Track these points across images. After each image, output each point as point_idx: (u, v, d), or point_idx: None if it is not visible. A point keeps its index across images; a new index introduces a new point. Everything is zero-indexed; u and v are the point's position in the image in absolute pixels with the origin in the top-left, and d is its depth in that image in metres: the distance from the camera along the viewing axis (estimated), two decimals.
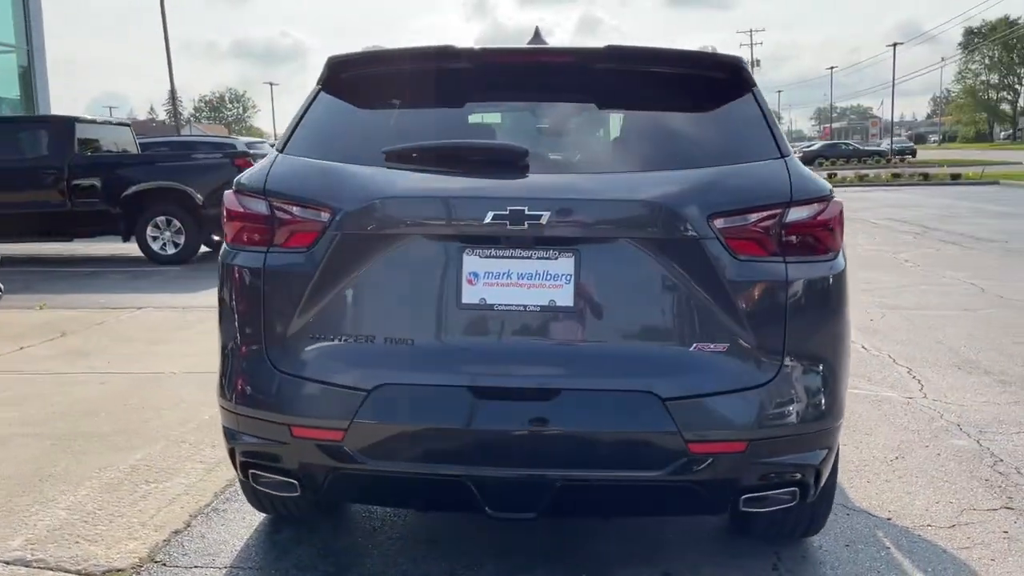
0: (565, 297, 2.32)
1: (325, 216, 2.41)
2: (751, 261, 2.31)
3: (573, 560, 2.92)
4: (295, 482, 2.50)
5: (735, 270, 2.30)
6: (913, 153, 51.39)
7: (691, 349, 2.32)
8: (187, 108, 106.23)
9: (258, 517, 3.29)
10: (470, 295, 2.34)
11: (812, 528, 2.93)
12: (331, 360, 2.42)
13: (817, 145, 47.03)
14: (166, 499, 3.48)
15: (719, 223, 2.30)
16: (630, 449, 2.29)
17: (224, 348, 2.60)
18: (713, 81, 2.58)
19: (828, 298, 2.41)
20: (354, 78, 2.75)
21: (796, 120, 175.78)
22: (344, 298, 2.41)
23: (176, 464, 3.87)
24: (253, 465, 2.55)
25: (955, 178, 28.03)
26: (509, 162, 2.39)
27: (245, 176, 2.64)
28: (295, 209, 2.46)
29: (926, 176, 29.13)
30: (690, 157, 2.43)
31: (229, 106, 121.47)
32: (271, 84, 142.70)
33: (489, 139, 2.68)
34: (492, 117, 2.77)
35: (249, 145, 15.83)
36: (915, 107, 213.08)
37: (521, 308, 2.33)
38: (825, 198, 2.41)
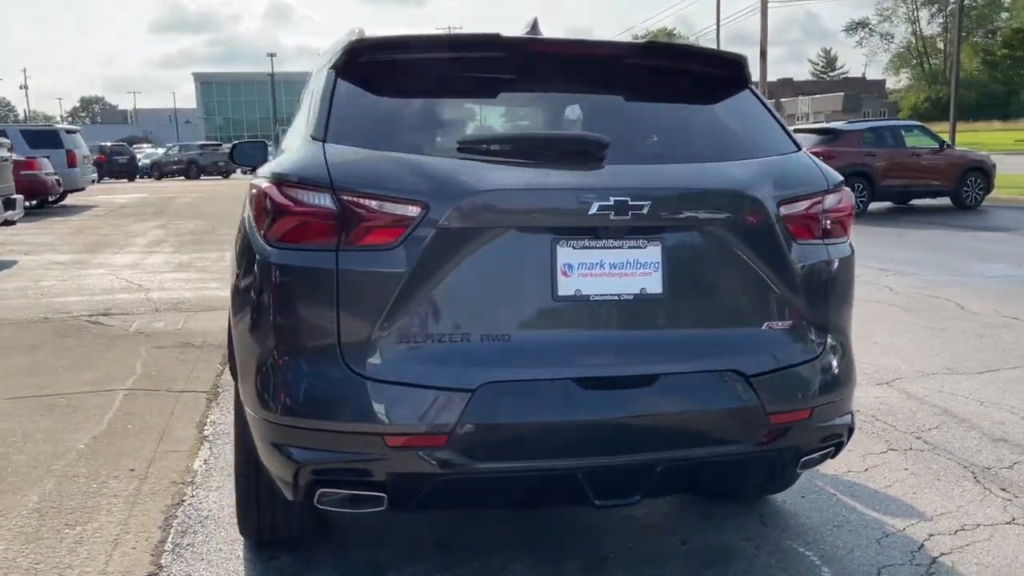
0: (654, 285, 2.39)
1: (413, 211, 2.26)
2: (805, 244, 2.54)
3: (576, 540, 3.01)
4: (382, 495, 2.32)
5: (795, 253, 2.52)
6: None
7: (763, 328, 2.50)
8: None
9: (235, 546, 2.97)
10: (566, 287, 2.34)
11: (785, 485, 3.26)
12: (427, 362, 2.28)
13: None
14: (107, 542, 3.01)
15: (783, 210, 2.50)
16: (721, 426, 2.43)
17: (273, 357, 2.34)
18: (732, 79, 2.77)
19: (850, 275, 2.71)
20: (380, 63, 2.59)
21: None
22: (437, 296, 2.28)
23: (87, 501, 3.35)
24: (327, 483, 2.33)
25: None
26: (588, 153, 2.40)
27: (289, 167, 2.39)
28: (373, 203, 2.28)
29: None
30: (740, 148, 2.60)
31: None
32: None
33: (551, 130, 2.65)
34: (541, 108, 2.73)
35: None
36: None
37: (615, 297, 2.37)
38: (842, 186, 2.71)
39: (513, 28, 2.80)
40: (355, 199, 2.28)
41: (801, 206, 2.54)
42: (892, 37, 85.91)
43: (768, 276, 2.49)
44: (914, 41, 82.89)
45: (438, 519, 3.14)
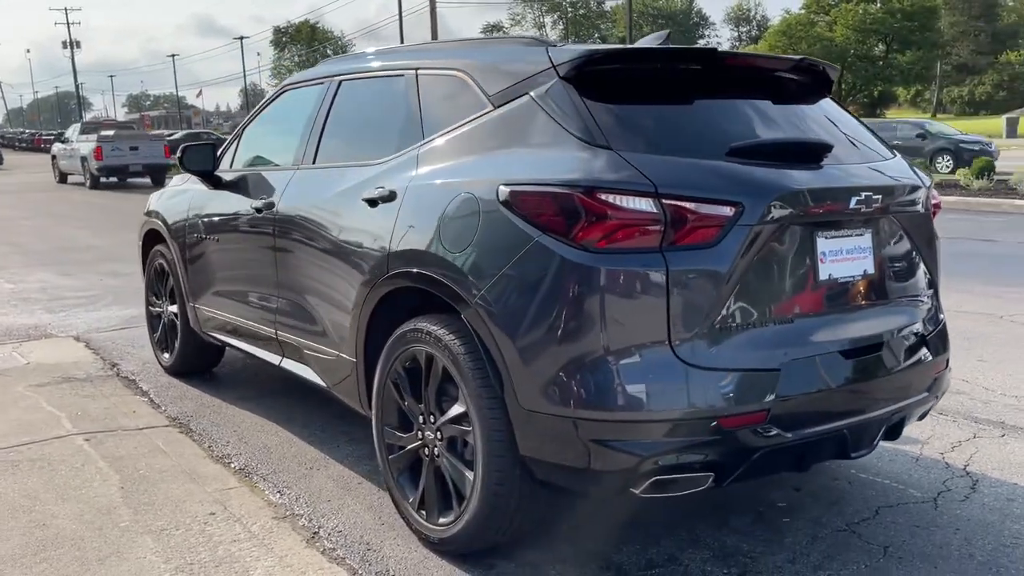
0: (870, 266, 2.84)
1: (729, 211, 2.47)
2: (932, 223, 3.16)
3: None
4: (710, 474, 2.51)
5: (932, 232, 3.13)
6: None
7: (924, 297, 3.07)
8: None
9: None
10: (824, 272, 2.70)
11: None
12: (743, 347, 2.51)
13: (179, 134, 46.44)
14: None
15: (926, 195, 3.09)
16: (916, 379, 2.95)
17: (603, 358, 2.42)
18: (829, 88, 3.27)
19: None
20: (612, 72, 2.75)
21: (109, 107, 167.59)
22: (744, 287, 2.52)
23: (236, 553, 2.98)
24: (666, 470, 2.46)
25: None
26: (821, 154, 2.78)
27: (601, 174, 2.46)
28: (694, 205, 2.45)
29: None
30: (875, 150, 3.11)
31: None
32: None
33: (781, 134, 2.91)
34: (747, 114, 2.97)
35: None
36: (228, 98, 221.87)
37: (851, 278, 2.78)
38: None
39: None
40: (677, 202, 2.44)
41: (932, 193, 3.15)
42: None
43: (923, 254, 3.07)
44: None
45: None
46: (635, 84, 2.78)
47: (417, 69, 3.37)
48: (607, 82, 2.74)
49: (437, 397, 2.93)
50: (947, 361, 3.14)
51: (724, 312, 2.49)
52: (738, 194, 2.50)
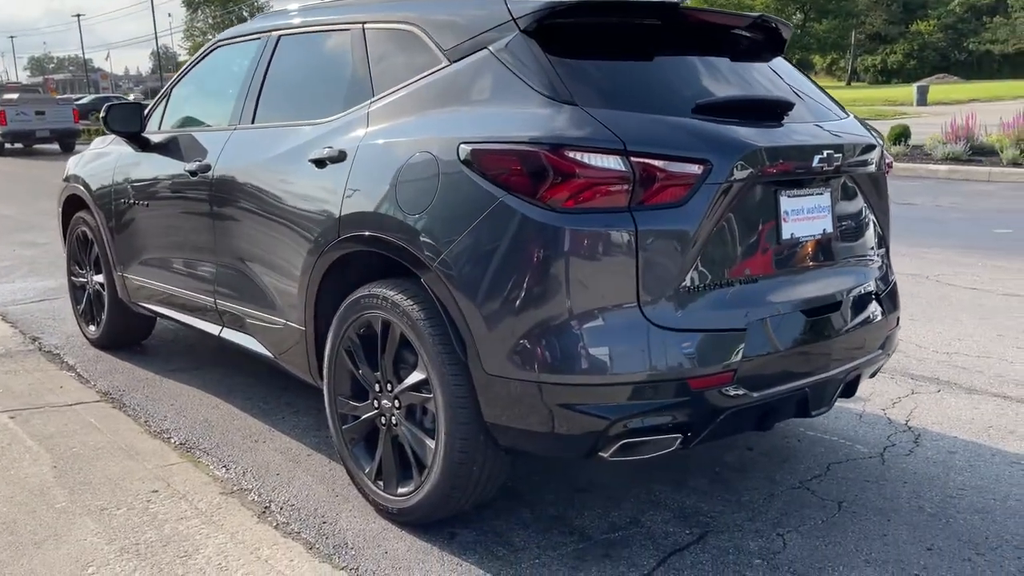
0: (829, 225, 2.85)
1: (696, 169, 2.43)
2: (885, 182, 3.18)
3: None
4: (678, 436, 2.49)
5: (885, 191, 3.16)
6: None
7: (876, 256, 3.10)
8: None
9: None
10: (786, 231, 2.69)
11: None
12: (709, 308, 2.49)
13: (87, 99, 44.42)
14: None
15: (880, 154, 3.10)
16: (871, 337, 2.98)
17: (568, 321, 2.36)
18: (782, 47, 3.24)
19: None
20: (574, 25, 2.67)
21: (11, 69, 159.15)
22: (709, 247, 2.48)
23: (184, 531, 2.85)
24: (635, 432, 2.43)
25: None
26: (784, 113, 2.75)
27: (567, 131, 2.38)
28: (664, 164, 2.39)
29: None
30: (830, 109, 3.10)
31: None
32: None
33: (743, 92, 2.86)
34: (707, 71, 2.90)
35: None
36: (138, 61, 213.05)
37: (810, 237, 2.78)
38: None
39: None
40: (646, 160, 2.38)
41: (884, 156, 3.18)
42: None
43: (876, 213, 3.09)
44: None
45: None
46: (597, 38, 2.70)
47: (364, 23, 3.22)
48: (569, 35, 2.65)
49: (394, 364, 2.84)
50: (898, 319, 3.19)
51: (691, 273, 2.46)
52: (706, 152, 2.46)
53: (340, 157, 2.99)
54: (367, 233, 2.82)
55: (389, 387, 2.86)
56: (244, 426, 3.81)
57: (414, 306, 2.68)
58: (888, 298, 3.11)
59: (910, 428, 3.72)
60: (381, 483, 2.92)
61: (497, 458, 2.68)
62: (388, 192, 2.75)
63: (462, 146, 2.54)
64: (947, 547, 2.74)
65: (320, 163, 3.06)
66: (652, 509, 3.00)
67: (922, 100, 34.01)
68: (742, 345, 2.50)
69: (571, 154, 2.36)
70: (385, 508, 2.90)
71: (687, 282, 2.46)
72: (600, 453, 2.48)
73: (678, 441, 2.52)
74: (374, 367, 2.91)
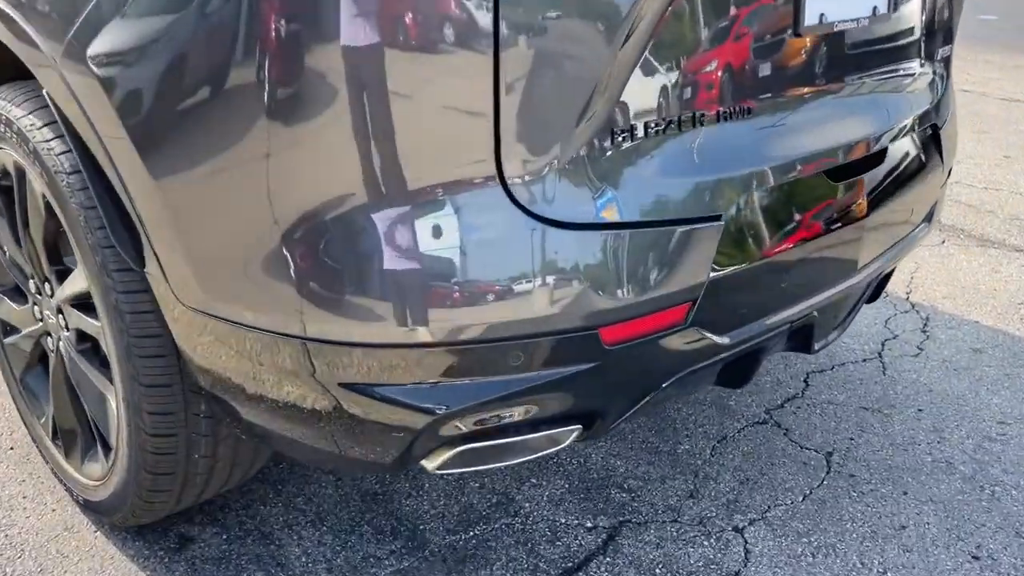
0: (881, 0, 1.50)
1: None
2: None
3: None
4: (575, 427, 1.26)
5: None
6: None
7: (940, 58, 1.79)
8: None
9: None
10: (811, 11, 1.33)
11: None
12: (654, 174, 1.18)
13: None
14: None
15: None
16: (921, 200, 1.72)
17: (373, 201, 1.06)
18: None
19: None
20: None
21: None
22: (657, 45, 1.14)
23: None
24: (484, 433, 1.19)
25: None
26: None
27: None
28: None
29: None
30: None
31: None
32: None
33: None
34: None
35: None
36: None
37: (852, 22, 1.43)
38: None
39: None
40: None
41: None
42: None
43: None
44: None
45: None
46: None
47: None
48: None
49: (46, 248, 1.50)
50: (950, 168, 1.94)
51: (619, 99, 1.12)
52: None
53: None
54: None
55: (49, 289, 1.53)
56: None
57: (51, 142, 1.30)
58: (947, 130, 1.84)
59: (914, 307, 2.62)
60: (61, 445, 1.67)
61: (238, 441, 1.43)
62: None
63: None
64: None
65: None
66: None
67: None
68: (711, 249, 1.23)
69: None
70: (71, 490, 1.66)
71: (611, 120, 1.12)
72: (423, 462, 1.24)
73: (573, 435, 1.29)
74: (19, 243, 1.58)
